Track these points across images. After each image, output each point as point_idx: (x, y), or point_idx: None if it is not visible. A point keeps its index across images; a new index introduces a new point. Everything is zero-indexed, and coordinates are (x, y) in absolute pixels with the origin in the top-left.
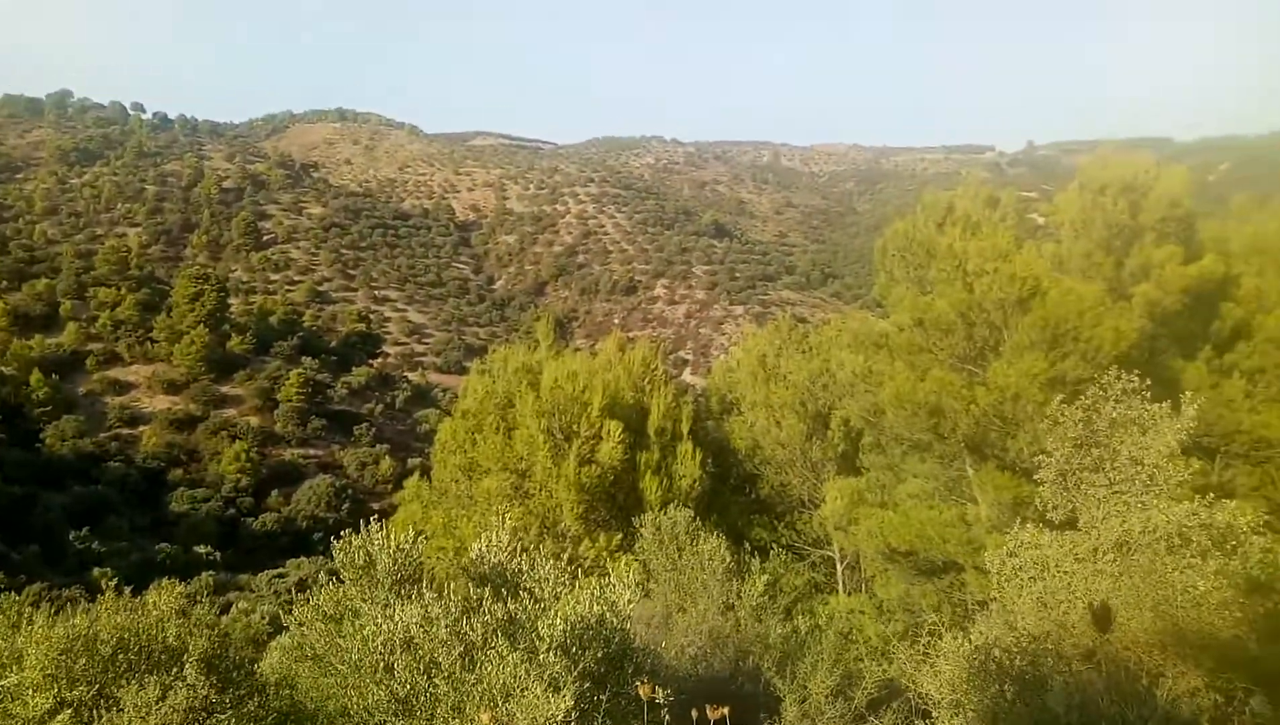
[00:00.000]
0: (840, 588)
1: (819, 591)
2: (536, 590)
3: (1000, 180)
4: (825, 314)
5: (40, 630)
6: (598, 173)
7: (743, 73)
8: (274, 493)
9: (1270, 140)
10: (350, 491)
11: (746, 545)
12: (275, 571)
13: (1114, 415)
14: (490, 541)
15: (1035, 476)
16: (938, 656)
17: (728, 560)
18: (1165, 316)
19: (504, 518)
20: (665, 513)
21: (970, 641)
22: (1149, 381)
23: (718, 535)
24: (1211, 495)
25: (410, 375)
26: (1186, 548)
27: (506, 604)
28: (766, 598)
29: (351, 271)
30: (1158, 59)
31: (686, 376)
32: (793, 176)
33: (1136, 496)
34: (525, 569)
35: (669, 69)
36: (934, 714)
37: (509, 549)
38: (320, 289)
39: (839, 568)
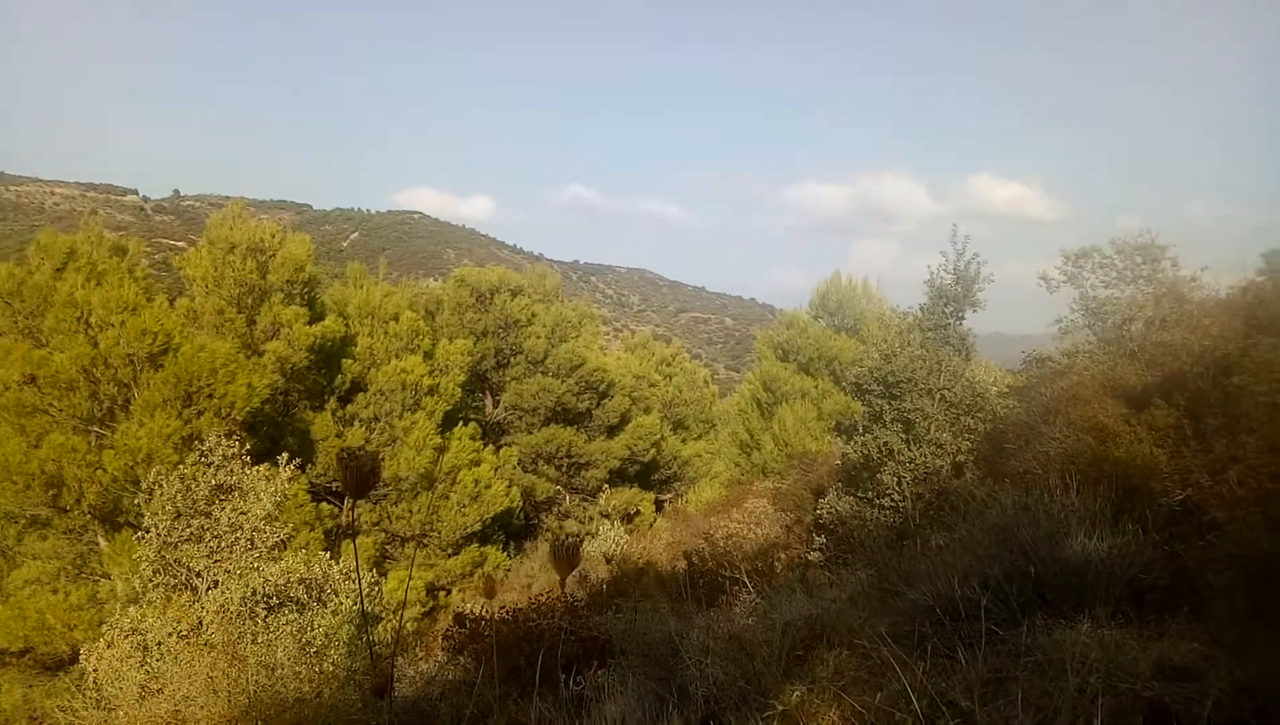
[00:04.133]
0: None
1: None
2: None
3: (146, 226)
4: None
5: None
6: None
7: None
8: None
9: (387, 216)
10: None
11: None
12: None
13: (214, 482)
14: None
15: (134, 555)
16: None
17: None
18: (296, 372)
19: None
20: None
21: None
22: (249, 445)
23: None
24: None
25: None
26: (287, 605)
27: None
28: None
29: None
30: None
31: None
32: None
33: (237, 562)
34: None
35: None
36: None
37: None
38: None
39: None
